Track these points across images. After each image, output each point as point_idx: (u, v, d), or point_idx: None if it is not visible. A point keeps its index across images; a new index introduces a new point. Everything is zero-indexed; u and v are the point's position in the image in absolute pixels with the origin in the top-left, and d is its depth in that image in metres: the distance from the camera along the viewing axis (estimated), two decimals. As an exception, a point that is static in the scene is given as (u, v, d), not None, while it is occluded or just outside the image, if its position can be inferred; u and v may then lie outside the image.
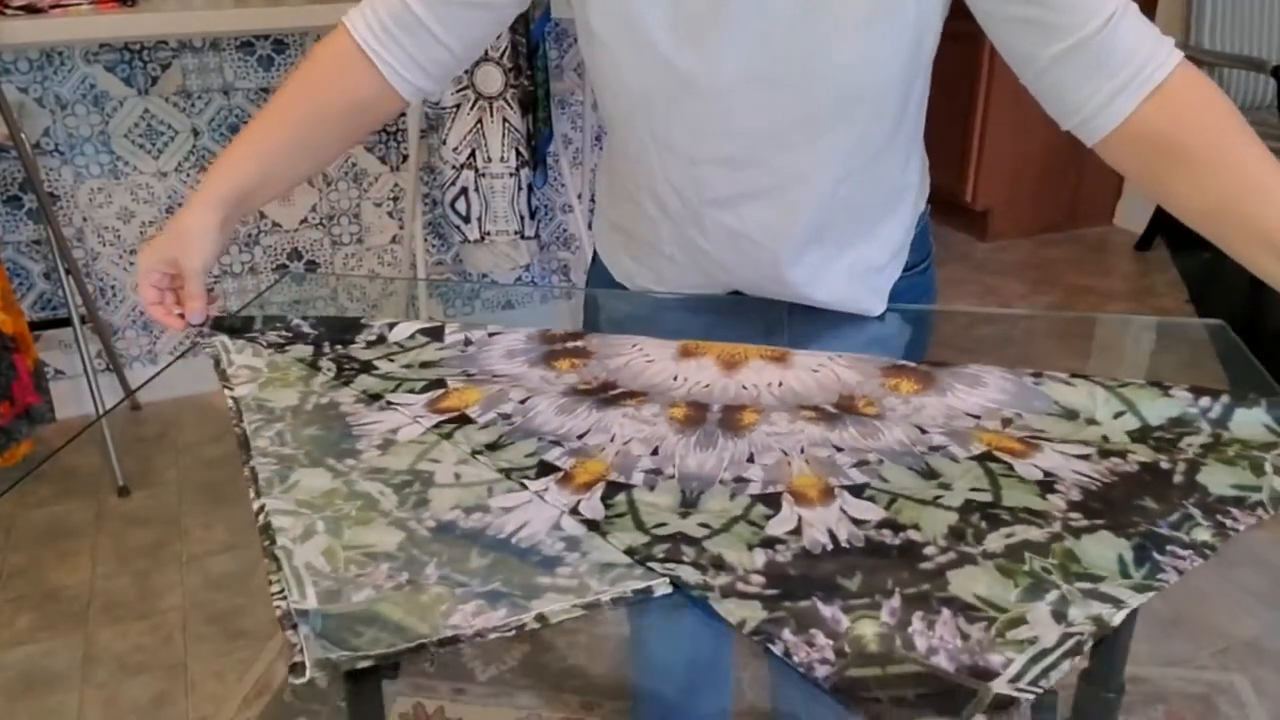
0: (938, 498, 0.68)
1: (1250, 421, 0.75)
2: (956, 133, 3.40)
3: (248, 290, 2.57)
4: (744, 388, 0.82)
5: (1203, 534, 0.63)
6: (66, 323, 2.27)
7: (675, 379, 0.84)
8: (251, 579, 1.89)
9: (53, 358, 2.44)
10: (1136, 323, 1.20)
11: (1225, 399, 0.76)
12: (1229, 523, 0.64)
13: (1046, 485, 0.68)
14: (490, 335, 0.92)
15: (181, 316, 0.90)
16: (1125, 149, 0.81)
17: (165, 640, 1.75)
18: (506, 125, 2.28)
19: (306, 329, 0.92)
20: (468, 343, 0.91)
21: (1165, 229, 3.38)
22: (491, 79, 2.24)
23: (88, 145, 2.33)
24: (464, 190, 2.33)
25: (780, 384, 0.83)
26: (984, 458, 0.72)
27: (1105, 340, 1.07)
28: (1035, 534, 0.64)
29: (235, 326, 0.93)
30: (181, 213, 0.90)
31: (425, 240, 2.61)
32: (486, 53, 2.21)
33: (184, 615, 1.81)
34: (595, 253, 1.11)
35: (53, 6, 2.09)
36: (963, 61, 3.24)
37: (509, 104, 2.27)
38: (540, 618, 0.60)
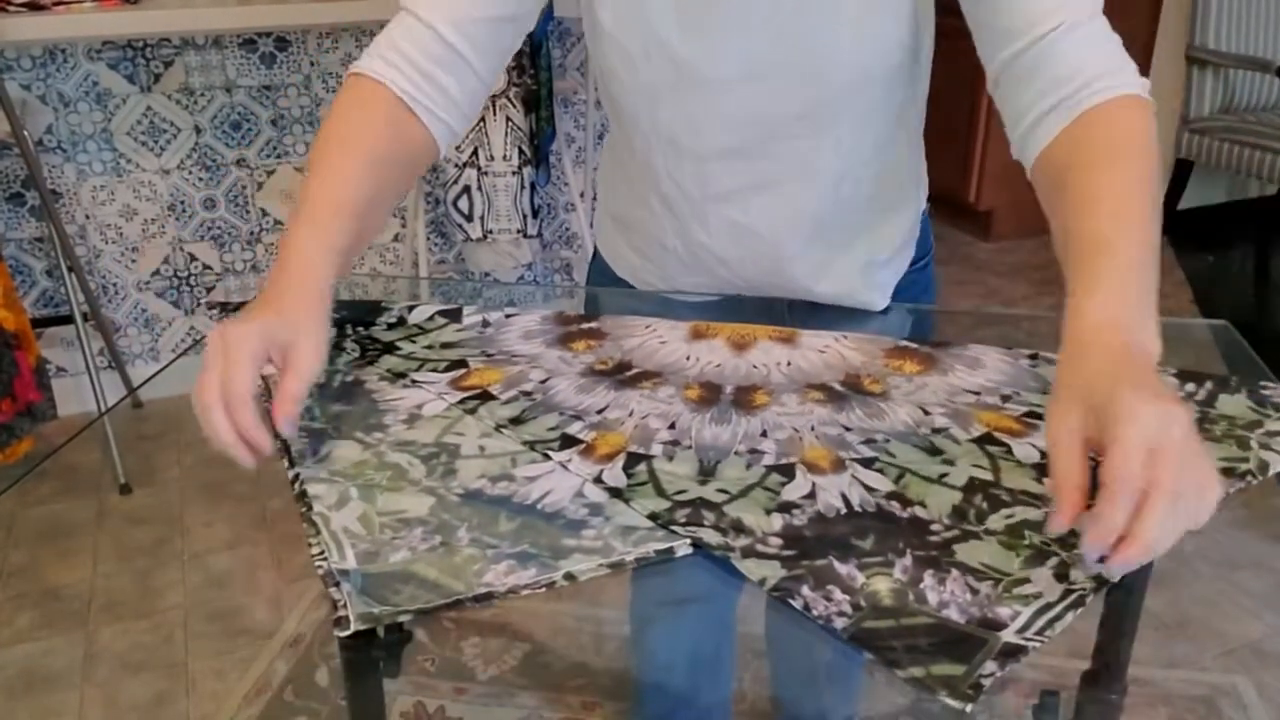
0: (943, 475, 0.71)
1: (1234, 402, 0.78)
2: (959, 132, 3.39)
3: (249, 288, 2.57)
4: (754, 367, 0.86)
5: None
6: (69, 320, 2.27)
7: (688, 359, 0.87)
8: (253, 577, 1.89)
9: (55, 355, 2.45)
10: (1140, 323, 1.20)
11: (1209, 385, 0.80)
12: None
13: (1042, 469, 0.71)
14: (507, 317, 0.96)
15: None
16: (1037, 180, 0.75)
17: (166, 639, 1.75)
18: (509, 124, 2.28)
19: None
20: (485, 324, 0.95)
21: (1170, 230, 3.38)
22: (494, 77, 2.23)
23: (90, 143, 2.33)
24: (466, 189, 2.33)
25: (789, 363, 0.86)
26: (984, 439, 0.75)
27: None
28: (1034, 514, 0.67)
29: None
30: (288, 292, 0.73)
31: (427, 239, 2.61)
32: (489, 51, 2.21)
33: (185, 614, 1.81)
34: (595, 248, 1.11)
35: (56, 4, 2.09)
36: (965, 61, 3.22)
37: (512, 102, 2.27)
38: (569, 576, 0.63)
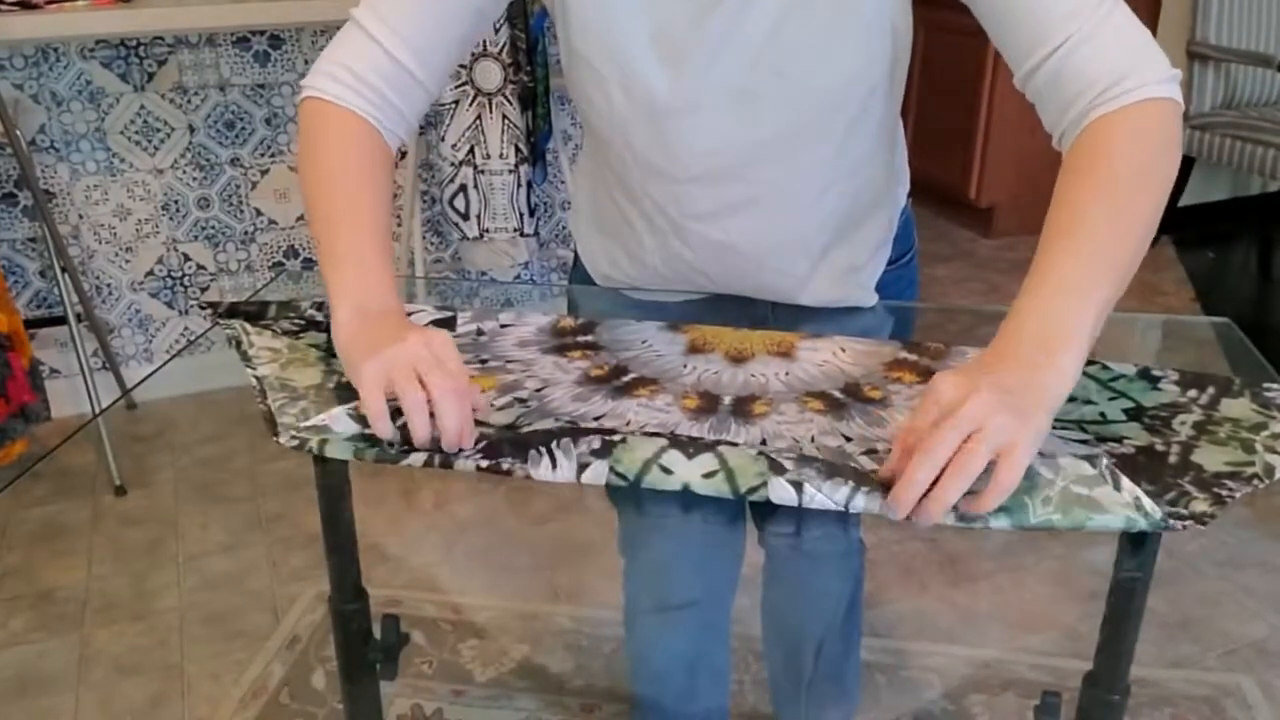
0: None
1: (1239, 404, 0.77)
2: (961, 129, 3.38)
3: (244, 288, 2.56)
4: (752, 376, 0.85)
5: (1200, 505, 0.65)
6: (62, 321, 2.26)
7: (685, 367, 0.87)
8: (248, 579, 1.88)
9: (48, 356, 2.43)
10: (1143, 320, 1.19)
11: (1212, 389, 0.79)
12: (1224, 493, 0.66)
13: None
14: (502, 326, 0.95)
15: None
16: None
17: (161, 641, 1.74)
18: (506, 121, 2.27)
19: (320, 317, 0.94)
20: (480, 333, 0.94)
21: (1172, 227, 3.37)
22: (490, 75, 2.22)
23: (83, 142, 2.32)
24: (463, 187, 2.32)
25: (787, 373, 0.86)
26: None
27: (1112, 338, 1.05)
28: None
29: (250, 312, 0.94)
30: (399, 320, 0.79)
31: (423, 238, 2.60)
32: (485, 48, 2.20)
33: (180, 616, 1.80)
34: (576, 255, 1.11)
35: (48, 2, 2.08)
36: (967, 57, 3.22)
37: (508, 100, 2.26)
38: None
